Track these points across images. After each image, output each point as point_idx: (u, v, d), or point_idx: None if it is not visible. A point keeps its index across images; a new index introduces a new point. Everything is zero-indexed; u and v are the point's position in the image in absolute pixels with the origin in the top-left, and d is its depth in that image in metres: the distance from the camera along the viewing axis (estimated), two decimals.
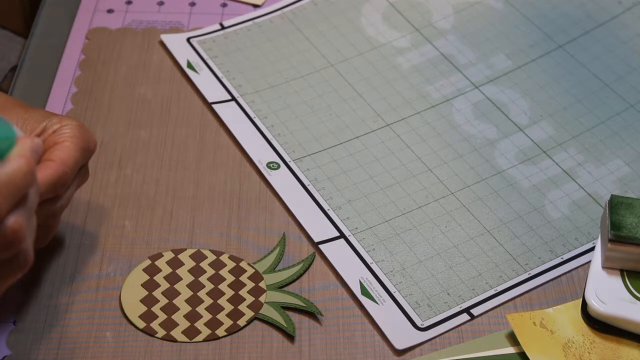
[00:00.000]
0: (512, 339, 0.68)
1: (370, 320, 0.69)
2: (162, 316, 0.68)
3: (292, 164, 0.79)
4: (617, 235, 0.69)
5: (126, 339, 0.67)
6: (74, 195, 0.73)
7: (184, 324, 0.68)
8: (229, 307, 0.69)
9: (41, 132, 0.66)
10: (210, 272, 0.71)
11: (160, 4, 0.94)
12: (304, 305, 0.69)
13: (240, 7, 0.95)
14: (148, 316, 0.68)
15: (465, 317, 0.70)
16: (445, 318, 0.69)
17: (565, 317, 0.69)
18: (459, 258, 0.73)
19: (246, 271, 0.71)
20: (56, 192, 0.63)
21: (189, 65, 0.87)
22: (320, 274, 0.72)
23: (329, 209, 0.76)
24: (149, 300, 0.69)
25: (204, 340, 0.67)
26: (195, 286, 0.70)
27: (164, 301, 0.69)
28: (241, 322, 0.68)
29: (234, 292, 0.70)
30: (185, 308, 0.69)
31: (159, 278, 0.71)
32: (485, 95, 0.86)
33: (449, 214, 0.76)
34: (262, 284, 0.71)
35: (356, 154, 0.81)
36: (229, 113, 0.83)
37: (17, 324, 0.68)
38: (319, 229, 0.75)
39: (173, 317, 0.68)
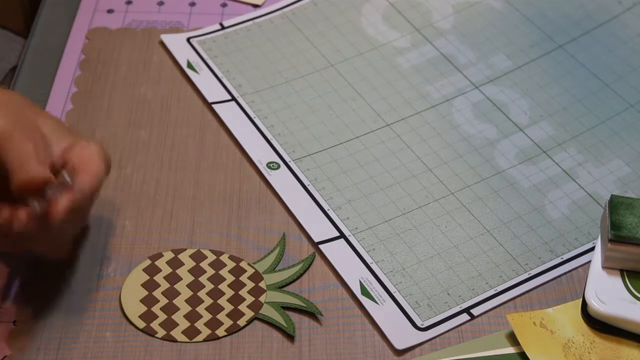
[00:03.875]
0: (512, 339, 0.68)
1: (370, 320, 0.69)
2: (162, 316, 0.68)
3: (292, 164, 0.79)
4: (617, 235, 0.68)
5: (126, 339, 0.67)
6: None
7: (184, 324, 0.68)
8: (229, 307, 0.69)
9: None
10: (210, 272, 0.71)
11: (160, 4, 0.94)
12: (304, 305, 0.69)
13: (240, 7, 0.95)
14: (148, 316, 0.68)
15: (465, 317, 0.70)
16: (445, 318, 0.69)
17: (565, 317, 0.69)
18: (459, 258, 0.73)
19: (246, 271, 0.71)
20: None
21: (189, 65, 0.87)
22: (320, 274, 0.72)
23: (329, 209, 0.76)
24: (149, 300, 0.69)
25: (204, 340, 0.67)
26: (195, 286, 0.70)
27: (164, 301, 0.69)
28: (241, 322, 0.68)
29: (234, 292, 0.70)
30: (185, 308, 0.69)
31: (159, 278, 0.71)
32: (485, 95, 0.86)
33: (449, 214, 0.76)
34: (262, 284, 0.71)
35: (356, 154, 0.81)
36: (229, 113, 0.83)
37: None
38: (319, 229, 0.75)
39: (173, 317, 0.68)
